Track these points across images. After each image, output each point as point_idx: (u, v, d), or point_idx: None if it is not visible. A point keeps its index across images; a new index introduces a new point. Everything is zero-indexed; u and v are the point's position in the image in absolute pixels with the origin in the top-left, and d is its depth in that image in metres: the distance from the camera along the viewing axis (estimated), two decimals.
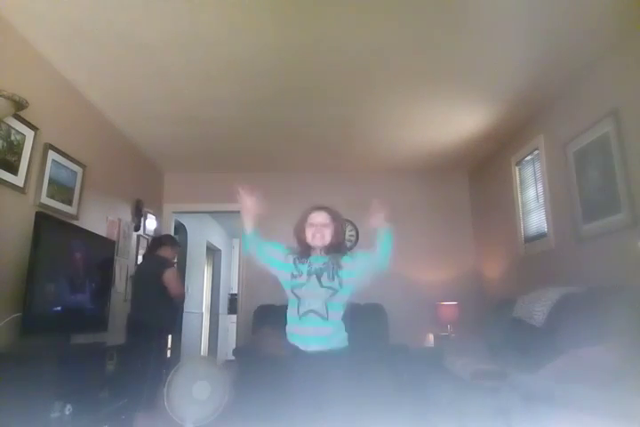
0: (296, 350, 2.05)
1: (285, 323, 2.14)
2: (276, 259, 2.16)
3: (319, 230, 2.09)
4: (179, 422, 2.86)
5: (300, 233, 2.13)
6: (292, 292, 2.08)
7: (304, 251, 2.11)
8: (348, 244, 5.12)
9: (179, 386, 2.89)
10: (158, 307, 3.67)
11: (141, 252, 4.50)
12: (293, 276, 2.08)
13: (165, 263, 3.81)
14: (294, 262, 2.11)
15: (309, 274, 2.05)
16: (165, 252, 3.89)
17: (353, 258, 2.16)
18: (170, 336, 4.41)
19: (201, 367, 2.98)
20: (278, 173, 5.29)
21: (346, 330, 2.12)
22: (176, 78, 3.19)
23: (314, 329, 2.02)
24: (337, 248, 2.13)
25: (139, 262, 4.33)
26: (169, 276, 3.70)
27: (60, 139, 3.05)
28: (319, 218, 2.13)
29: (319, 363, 2.00)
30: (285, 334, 2.16)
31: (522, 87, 3.32)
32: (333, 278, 2.05)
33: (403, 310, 4.75)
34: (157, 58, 2.94)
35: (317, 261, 2.09)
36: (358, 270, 2.15)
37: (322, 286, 2.04)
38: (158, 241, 4.01)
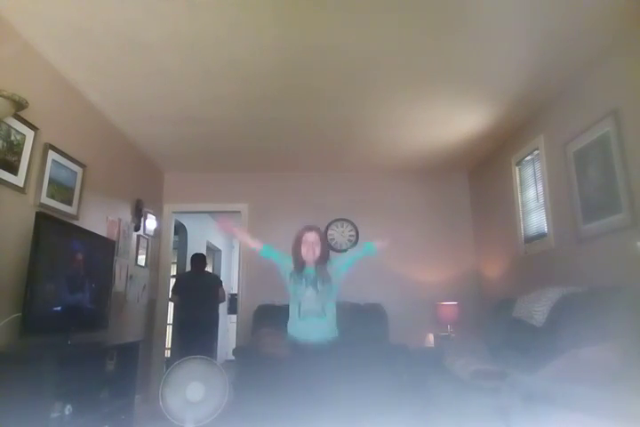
0: (296, 342, 2.70)
1: (285, 321, 2.78)
2: (285, 264, 2.81)
3: (311, 247, 2.71)
4: (178, 423, 2.86)
5: (296, 249, 2.75)
6: (294, 297, 2.73)
7: (299, 263, 2.73)
8: (349, 243, 5.13)
9: (173, 386, 2.88)
10: (215, 309, 5.62)
11: (142, 252, 4.51)
12: (295, 283, 2.72)
13: (218, 278, 5.90)
14: (293, 273, 2.74)
15: (307, 284, 2.68)
16: (208, 268, 5.55)
17: (335, 260, 2.84)
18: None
19: (197, 368, 2.98)
20: (278, 173, 5.29)
21: (338, 325, 2.75)
22: (176, 78, 3.19)
23: (313, 325, 2.66)
24: (324, 259, 2.74)
25: (186, 274, 5.81)
26: (223, 288, 5.66)
27: (60, 139, 3.05)
28: (311, 238, 2.74)
29: (319, 350, 2.64)
30: (285, 333, 2.77)
31: (522, 87, 3.32)
32: (324, 284, 2.68)
33: (403, 310, 4.76)
34: (157, 57, 2.94)
35: (310, 272, 2.72)
36: (344, 265, 2.82)
37: (317, 291, 2.67)
38: (204, 260, 5.63)
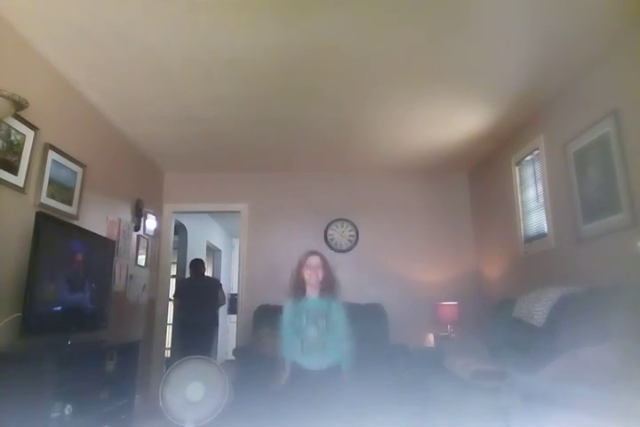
0: (299, 369, 2.63)
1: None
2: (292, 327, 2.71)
3: (314, 271, 2.67)
4: (178, 423, 2.86)
5: (298, 273, 2.70)
6: (297, 333, 2.65)
7: (300, 290, 2.68)
8: (349, 244, 5.13)
9: (173, 387, 2.88)
10: (214, 311, 5.67)
11: (142, 252, 4.51)
12: (295, 315, 2.66)
13: (218, 282, 6.10)
14: (293, 305, 2.69)
15: (307, 321, 2.62)
16: (208, 268, 5.87)
17: (341, 311, 2.69)
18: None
19: (197, 367, 2.98)
20: (278, 173, 5.29)
21: (351, 335, 2.67)
22: (176, 78, 3.19)
23: (316, 360, 2.61)
24: (329, 284, 2.69)
25: (186, 280, 5.97)
26: (223, 290, 5.80)
27: (60, 139, 3.05)
28: (314, 261, 2.70)
29: (323, 377, 2.58)
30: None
31: (522, 87, 3.32)
32: (326, 321, 2.62)
33: (403, 310, 4.75)
34: (157, 58, 2.94)
35: (312, 304, 2.66)
36: (336, 324, 2.68)
37: (318, 329, 2.62)
38: (203, 265, 5.77)
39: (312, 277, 2.66)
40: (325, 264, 2.74)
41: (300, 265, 2.73)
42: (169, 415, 2.82)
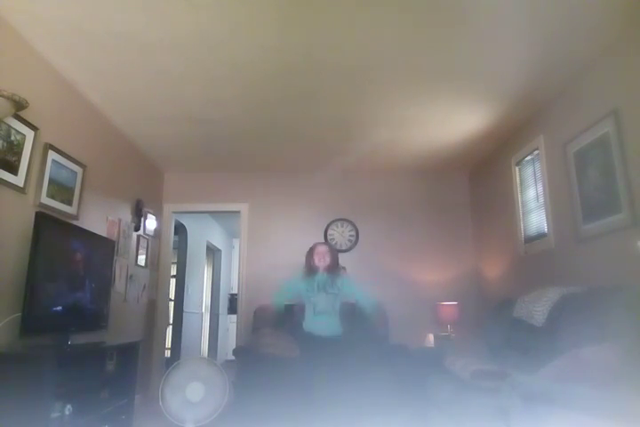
0: (311, 335, 3.26)
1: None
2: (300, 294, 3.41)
3: (322, 256, 3.34)
4: (178, 423, 2.86)
5: (309, 259, 3.38)
6: (309, 300, 3.33)
7: (312, 270, 3.35)
8: (349, 244, 5.13)
9: (173, 387, 2.88)
10: None
11: (142, 252, 4.51)
12: (307, 290, 3.32)
13: None
14: (305, 280, 3.35)
15: (318, 289, 3.29)
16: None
17: (343, 284, 3.35)
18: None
19: (197, 368, 2.98)
20: (278, 173, 5.29)
21: (340, 320, 3.37)
22: (176, 78, 3.19)
23: (325, 322, 3.27)
24: (334, 267, 3.35)
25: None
26: None
27: (60, 139, 3.05)
28: (322, 249, 3.38)
29: (331, 343, 3.22)
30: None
31: (522, 87, 3.32)
32: (333, 288, 3.31)
33: (403, 310, 4.75)
34: (157, 58, 2.94)
35: (322, 277, 3.32)
36: (342, 293, 3.37)
37: (327, 294, 3.30)
38: None
39: (320, 261, 3.31)
40: (332, 251, 3.39)
41: (311, 252, 3.40)
42: (169, 416, 2.82)
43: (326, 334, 3.24)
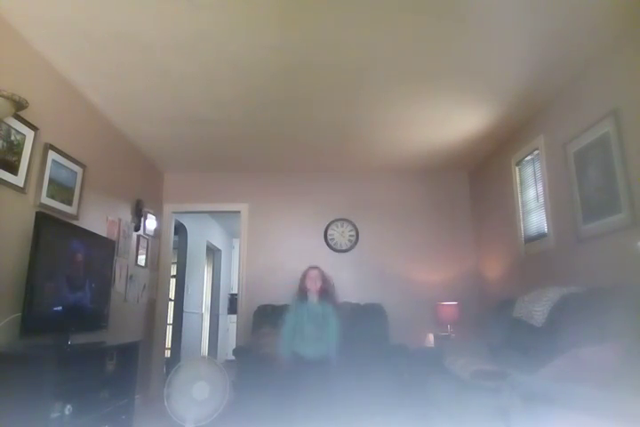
0: (299, 357, 3.23)
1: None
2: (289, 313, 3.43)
3: (314, 281, 3.39)
4: (179, 422, 2.86)
5: (302, 282, 3.44)
6: (296, 326, 3.31)
7: (303, 293, 3.40)
8: (349, 244, 5.13)
9: (179, 386, 2.89)
10: None
11: (142, 252, 4.51)
12: (296, 313, 3.34)
13: None
14: (296, 304, 3.38)
15: (307, 318, 3.30)
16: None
17: (333, 314, 3.35)
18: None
19: (201, 368, 2.98)
20: (278, 174, 5.29)
21: (339, 333, 3.33)
22: (176, 79, 3.19)
23: (311, 348, 3.24)
24: (326, 291, 3.40)
25: None
26: None
27: (60, 139, 3.05)
28: (313, 274, 3.43)
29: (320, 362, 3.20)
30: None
31: (522, 87, 3.32)
32: (324, 319, 3.30)
33: (403, 310, 4.75)
34: (158, 58, 2.94)
35: (312, 303, 3.35)
36: (329, 324, 3.35)
37: (315, 327, 3.28)
38: None
39: (312, 285, 3.39)
40: (323, 276, 3.46)
41: (303, 276, 3.48)
42: (173, 415, 2.82)
43: (312, 357, 3.22)
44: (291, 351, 3.26)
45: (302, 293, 3.46)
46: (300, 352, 3.26)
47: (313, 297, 3.41)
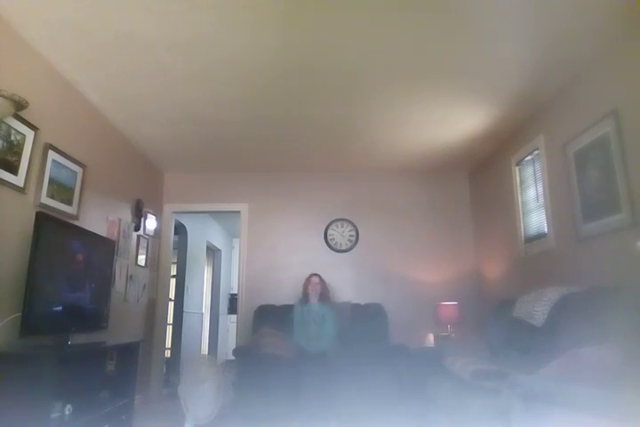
0: (304, 351, 3.84)
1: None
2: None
3: (314, 286, 4.28)
4: (194, 421, 2.86)
5: (305, 287, 4.33)
6: (299, 326, 4.08)
7: (306, 297, 4.26)
8: (349, 244, 5.13)
9: (194, 384, 2.88)
10: None
11: (142, 252, 4.51)
12: (301, 315, 4.14)
13: None
14: (300, 307, 4.22)
15: (310, 320, 4.08)
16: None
17: (331, 314, 4.15)
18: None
19: (202, 368, 2.98)
20: (278, 173, 5.29)
21: (341, 332, 4.12)
22: (176, 78, 3.19)
23: (314, 344, 3.94)
24: (325, 295, 4.28)
25: None
26: None
27: (60, 139, 3.05)
28: (315, 280, 4.32)
29: (323, 354, 3.79)
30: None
31: (522, 87, 3.32)
32: (324, 319, 4.09)
33: (403, 310, 4.76)
34: (157, 58, 2.94)
35: (314, 306, 4.18)
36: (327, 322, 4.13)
37: (317, 326, 4.05)
38: None
39: (313, 290, 4.24)
40: (322, 282, 4.33)
41: (306, 282, 4.33)
42: (187, 413, 2.80)
43: (315, 352, 3.84)
44: (296, 344, 3.90)
45: (306, 296, 4.25)
46: (304, 345, 3.89)
47: (314, 299, 4.20)
